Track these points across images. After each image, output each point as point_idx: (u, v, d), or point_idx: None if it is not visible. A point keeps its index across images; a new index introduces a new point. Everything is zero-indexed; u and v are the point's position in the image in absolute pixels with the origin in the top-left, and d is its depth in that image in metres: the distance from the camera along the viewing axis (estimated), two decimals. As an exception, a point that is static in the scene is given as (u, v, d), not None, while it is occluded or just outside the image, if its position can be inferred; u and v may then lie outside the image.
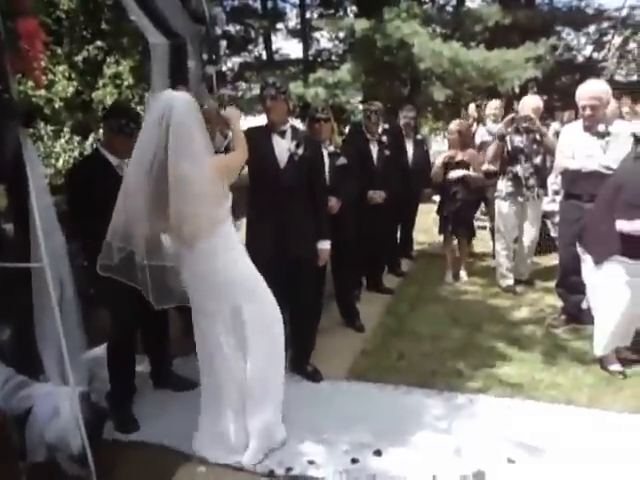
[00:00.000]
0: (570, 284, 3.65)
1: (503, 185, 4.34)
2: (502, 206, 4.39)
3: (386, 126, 4.30)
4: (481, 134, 5.30)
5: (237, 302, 2.19)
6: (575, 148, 3.43)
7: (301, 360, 3.02)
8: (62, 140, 6.90)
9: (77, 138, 6.91)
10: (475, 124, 5.64)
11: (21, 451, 1.98)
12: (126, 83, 6.54)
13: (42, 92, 6.47)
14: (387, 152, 4.15)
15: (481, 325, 3.75)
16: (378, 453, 2.32)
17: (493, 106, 5.51)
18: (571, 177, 3.51)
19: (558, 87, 11.98)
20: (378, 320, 3.95)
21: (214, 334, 2.20)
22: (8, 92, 1.76)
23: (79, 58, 6.69)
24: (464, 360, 3.23)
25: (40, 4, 5.97)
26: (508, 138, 4.25)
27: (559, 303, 3.87)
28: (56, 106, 6.63)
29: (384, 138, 4.14)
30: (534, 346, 3.42)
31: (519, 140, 4.24)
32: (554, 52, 10.12)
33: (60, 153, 6.70)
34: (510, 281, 4.51)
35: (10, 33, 1.68)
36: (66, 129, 6.72)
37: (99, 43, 6.73)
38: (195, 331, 2.28)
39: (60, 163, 6.42)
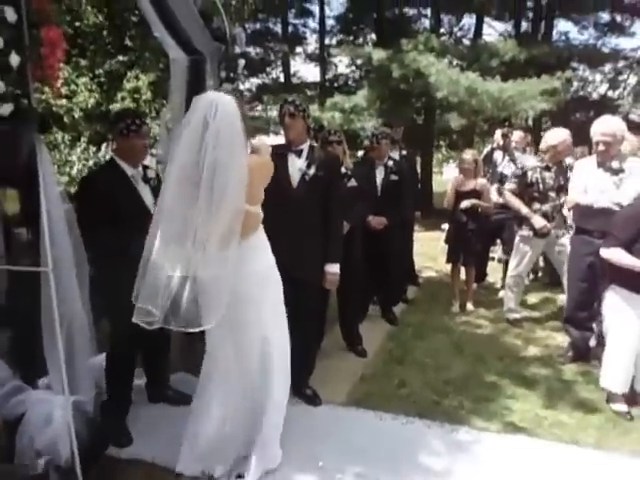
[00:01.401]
0: (578, 320, 3.59)
1: (531, 223, 4.09)
2: (525, 241, 4.21)
3: (394, 153, 4.30)
4: (504, 164, 5.21)
5: (267, 303, 2.20)
6: (588, 183, 3.41)
7: (300, 382, 2.97)
8: (78, 149, 7.03)
9: (93, 148, 7.03)
10: (499, 151, 5.51)
11: (9, 456, 1.95)
12: (144, 97, 6.69)
13: (63, 101, 6.64)
14: (393, 177, 4.14)
15: (485, 358, 3.67)
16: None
17: (517, 137, 5.50)
18: (583, 212, 3.48)
19: (572, 123, 12.05)
20: (380, 346, 3.90)
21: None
22: (27, 98, 1.79)
23: (101, 71, 6.88)
24: (467, 393, 3.15)
25: (63, 15, 6.18)
26: (538, 175, 4.09)
27: (567, 340, 3.79)
28: (75, 116, 6.78)
29: (390, 163, 4.15)
30: (539, 382, 3.34)
31: (549, 177, 4.08)
32: (569, 86, 10.19)
33: (75, 162, 6.82)
34: (518, 315, 4.44)
35: (34, 41, 1.73)
36: (83, 139, 6.85)
37: (121, 58, 6.92)
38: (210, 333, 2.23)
39: (74, 171, 6.52)
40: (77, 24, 6.75)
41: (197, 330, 1.92)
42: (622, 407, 2.93)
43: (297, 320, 2.77)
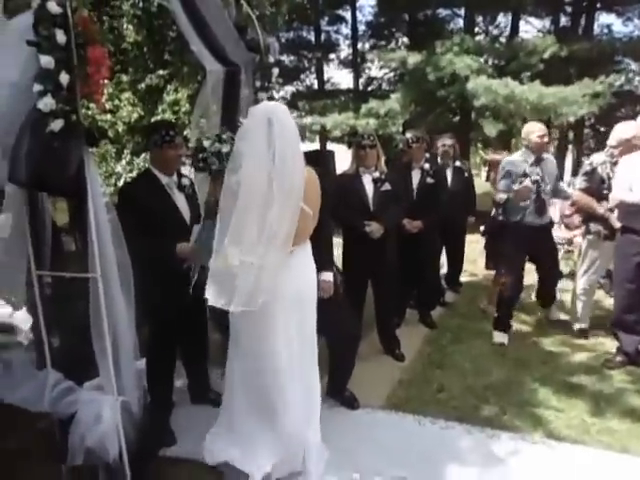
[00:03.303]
0: (626, 323, 3.45)
1: (597, 226, 3.86)
2: (594, 246, 3.94)
3: (427, 155, 4.26)
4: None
5: (305, 312, 2.30)
6: (633, 180, 3.28)
7: (338, 385, 2.99)
8: (123, 161, 7.33)
9: (137, 160, 7.31)
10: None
11: (63, 453, 2.05)
12: (183, 109, 6.92)
13: (107, 116, 6.95)
14: (430, 180, 4.10)
15: (528, 363, 3.57)
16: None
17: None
18: (628, 210, 3.35)
19: (618, 119, 11.56)
20: (418, 350, 3.86)
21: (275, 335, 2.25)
22: (76, 113, 1.90)
23: (142, 86, 7.16)
24: (508, 398, 3.08)
25: (107, 35, 6.48)
26: (609, 171, 3.72)
27: (616, 344, 3.64)
28: (119, 129, 7.08)
29: (427, 166, 4.11)
30: (586, 388, 3.22)
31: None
32: (612, 87, 9.75)
33: (121, 173, 7.11)
34: (585, 325, 4.13)
35: (81, 59, 1.84)
36: (126, 151, 7.15)
37: (161, 72, 7.18)
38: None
39: (121, 182, 6.80)
40: (119, 42, 7.07)
41: (254, 309, 2.05)
42: None
43: (332, 324, 2.78)
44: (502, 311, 4.00)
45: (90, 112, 6.16)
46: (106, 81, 2.57)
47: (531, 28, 14.69)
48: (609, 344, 3.83)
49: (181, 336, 2.82)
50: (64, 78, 1.81)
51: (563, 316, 4.44)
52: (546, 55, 9.95)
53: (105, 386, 2.12)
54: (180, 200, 2.69)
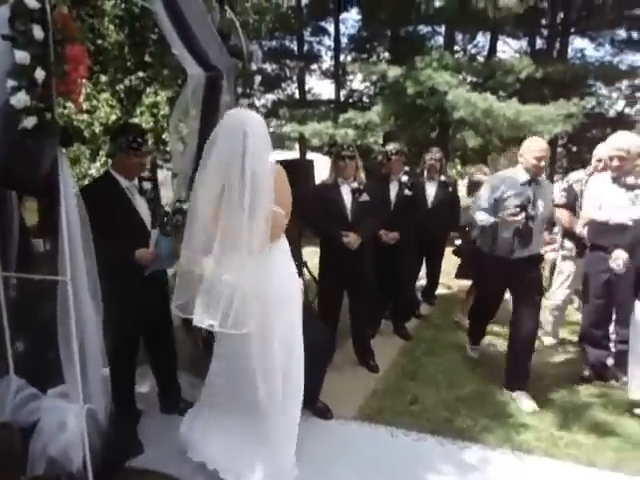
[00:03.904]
0: (594, 338, 3.53)
1: (571, 244, 4.00)
2: (568, 261, 4.07)
3: (406, 168, 4.31)
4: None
5: (285, 311, 2.26)
6: (603, 199, 3.38)
7: (310, 396, 2.96)
8: (98, 163, 7.16)
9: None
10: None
11: (23, 464, 1.97)
12: (162, 112, 6.82)
13: (84, 116, 6.80)
14: (407, 192, 4.13)
15: (498, 377, 3.61)
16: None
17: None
18: (598, 229, 3.44)
19: (589, 139, 11.95)
20: (392, 361, 3.87)
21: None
22: (51, 111, 1.85)
23: (121, 87, 7.04)
24: (480, 410, 3.11)
25: (86, 33, 6.36)
26: (584, 188, 3.71)
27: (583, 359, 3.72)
28: (96, 130, 6.93)
29: (404, 178, 4.15)
30: (554, 402, 3.27)
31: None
32: (585, 108, 10.15)
33: (95, 175, 6.95)
34: (555, 340, 4.24)
35: (58, 57, 1.79)
36: (102, 152, 6.99)
37: (141, 74, 7.07)
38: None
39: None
40: (99, 42, 6.95)
41: (244, 331, 2.04)
42: None
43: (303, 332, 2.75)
44: (474, 327, 3.97)
45: (66, 111, 6.01)
46: (84, 80, 2.51)
47: (508, 49, 15.13)
48: (577, 358, 3.91)
49: (148, 344, 2.76)
50: (39, 74, 1.76)
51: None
52: (522, 75, 10.25)
53: (71, 393, 2.05)
54: (141, 205, 2.64)
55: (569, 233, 3.98)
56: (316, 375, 2.97)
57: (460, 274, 4.93)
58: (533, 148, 3.20)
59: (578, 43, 21.95)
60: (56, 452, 1.94)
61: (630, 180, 3.27)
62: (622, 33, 14.00)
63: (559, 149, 15.36)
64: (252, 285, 2.04)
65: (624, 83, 13.97)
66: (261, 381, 2.21)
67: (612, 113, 13.79)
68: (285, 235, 2.33)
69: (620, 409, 3.13)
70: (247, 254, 2.01)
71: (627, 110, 14.36)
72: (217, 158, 2.05)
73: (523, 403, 3.19)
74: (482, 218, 3.34)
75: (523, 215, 3.14)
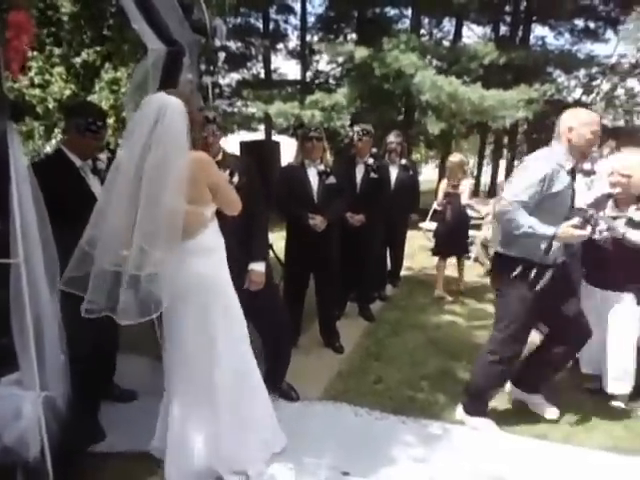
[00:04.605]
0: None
1: None
2: None
3: (374, 150, 4.33)
4: None
5: (211, 309, 2.16)
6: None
7: (275, 378, 2.97)
8: (53, 141, 6.84)
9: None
10: None
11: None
12: (123, 90, 6.55)
13: (37, 91, 6.44)
14: (373, 175, 4.15)
15: (460, 355, 3.73)
16: (346, 474, 2.29)
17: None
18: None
19: (548, 126, 12.30)
20: (357, 343, 3.92)
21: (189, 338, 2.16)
22: (-2, 85, 1.74)
23: (77, 61, 6.70)
24: (442, 388, 3.20)
25: (35, 1, 5.99)
26: None
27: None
28: (50, 106, 6.59)
29: (370, 161, 4.16)
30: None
31: None
32: (545, 95, 10.52)
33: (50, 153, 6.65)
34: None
35: (2, 24, 1.68)
36: (57, 130, 6.67)
37: (98, 48, 6.75)
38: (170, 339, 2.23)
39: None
40: (51, 12, 6.57)
41: (136, 322, 1.93)
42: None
43: (261, 315, 2.70)
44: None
45: (16, 85, 5.70)
46: (35, 53, 2.34)
47: (473, 34, 15.35)
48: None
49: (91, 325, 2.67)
50: (-20, 44, 1.64)
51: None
52: (486, 61, 10.44)
53: (26, 381, 1.97)
54: (95, 185, 2.53)
55: None
56: (279, 358, 2.98)
57: (436, 252, 5.27)
58: (588, 120, 2.37)
59: (539, 31, 22.43)
60: (11, 441, 1.87)
61: (587, 166, 3.39)
62: (580, 23, 14.41)
63: (519, 136, 15.81)
64: (154, 280, 1.91)
65: (582, 72, 14.42)
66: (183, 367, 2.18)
67: (570, 100, 14.22)
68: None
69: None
70: (153, 248, 1.89)
71: (584, 98, 14.86)
72: (129, 143, 1.93)
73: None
74: (531, 223, 2.34)
75: (589, 229, 2.32)
